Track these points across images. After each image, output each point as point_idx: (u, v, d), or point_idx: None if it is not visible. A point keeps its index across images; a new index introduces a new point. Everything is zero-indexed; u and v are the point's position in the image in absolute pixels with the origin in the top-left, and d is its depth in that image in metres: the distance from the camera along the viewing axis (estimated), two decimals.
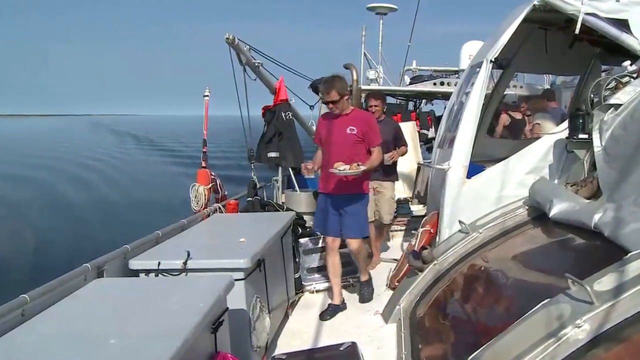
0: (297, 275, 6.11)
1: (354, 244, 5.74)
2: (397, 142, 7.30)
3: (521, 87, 12.43)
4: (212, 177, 7.29)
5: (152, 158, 46.56)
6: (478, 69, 5.78)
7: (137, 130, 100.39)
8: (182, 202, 8.22)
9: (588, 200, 4.47)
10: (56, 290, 3.53)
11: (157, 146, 60.49)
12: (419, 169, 9.09)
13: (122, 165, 40.87)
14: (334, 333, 5.06)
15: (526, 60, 7.91)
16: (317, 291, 6.30)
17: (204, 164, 7.36)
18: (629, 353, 2.35)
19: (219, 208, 6.83)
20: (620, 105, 4.53)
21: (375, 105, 7.27)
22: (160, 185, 28.57)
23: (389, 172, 7.24)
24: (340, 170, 5.33)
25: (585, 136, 4.94)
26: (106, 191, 28.25)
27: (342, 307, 5.76)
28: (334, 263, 5.83)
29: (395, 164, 7.35)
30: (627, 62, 5.12)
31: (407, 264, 5.44)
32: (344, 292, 6.18)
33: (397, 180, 7.63)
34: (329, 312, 5.63)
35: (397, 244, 7.89)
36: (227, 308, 3.59)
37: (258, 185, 7.82)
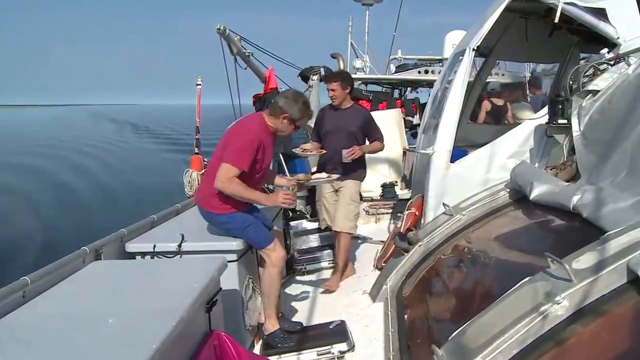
0: (287, 257, 6.13)
1: None
2: (366, 133, 5.93)
3: (503, 74, 12.45)
4: (205, 163, 7.27)
5: (149, 145, 46.34)
6: (461, 57, 5.76)
7: (135, 119, 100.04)
8: (176, 187, 8.21)
9: (567, 183, 4.48)
10: (56, 272, 3.53)
11: (153, 133, 60.24)
12: (404, 154, 9.11)
13: (119, 152, 40.74)
14: (324, 312, 5.08)
15: (507, 49, 7.91)
16: (308, 272, 6.31)
17: (197, 151, 7.33)
18: (606, 328, 2.36)
19: None
20: (598, 91, 4.55)
21: (333, 90, 5.72)
22: (155, 171, 28.51)
23: (349, 169, 5.84)
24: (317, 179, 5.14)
25: (565, 121, 4.96)
26: (104, 177, 28.16)
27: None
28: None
29: (359, 161, 5.89)
30: (605, 50, 5.13)
31: (394, 245, 5.46)
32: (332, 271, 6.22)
33: (362, 179, 6.12)
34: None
35: (383, 226, 7.91)
36: (221, 288, 3.60)
37: None
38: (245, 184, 4.22)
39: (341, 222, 5.82)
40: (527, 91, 9.85)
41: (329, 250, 6.49)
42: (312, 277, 6.15)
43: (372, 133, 5.95)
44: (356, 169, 5.92)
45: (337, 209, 5.85)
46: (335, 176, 5.29)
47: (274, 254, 4.44)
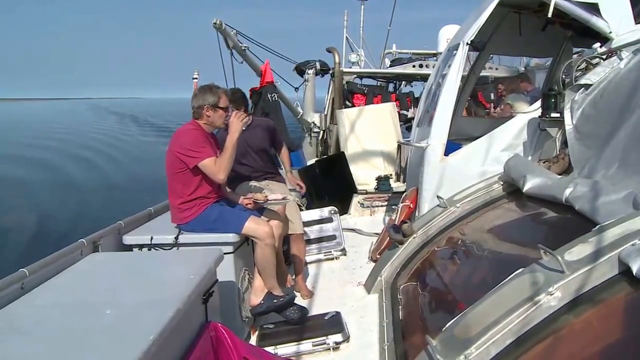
0: (284, 248, 6.10)
1: None
2: (275, 145, 5.84)
3: (496, 68, 12.46)
4: None
5: (147, 138, 46.23)
6: (455, 51, 5.76)
7: (136, 112, 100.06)
8: None
9: (560, 176, 4.50)
10: (54, 264, 3.53)
11: (152, 126, 60.15)
12: (399, 147, 9.11)
13: (118, 144, 40.71)
14: (319, 303, 5.08)
15: (501, 43, 7.88)
16: (305, 263, 6.30)
17: None
18: (598, 318, 2.37)
19: None
20: (591, 85, 4.56)
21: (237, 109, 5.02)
22: (152, 163, 28.53)
23: (270, 173, 5.77)
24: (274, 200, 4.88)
25: (557, 115, 4.97)
26: (101, 169, 28.15)
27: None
28: None
29: (271, 163, 5.83)
30: (597, 44, 5.13)
31: (388, 238, 5.45)
32: (328, 264, 6.21)
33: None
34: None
35: (378, 219, 7.90)
36: (217, 280, 3.60)
37: None
38: (209, 187, 4.44)
39: (298, 226, 5.49)
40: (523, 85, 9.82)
41: (326, 243, 6.48)
42: (309, 269, 6.13)
43: (279, 140, 5.86)
44: (274, 170, 5.84)
45: (289, 212, 5.23)
46: (290, 198, 5.12)
47: (258, 230, 4.37)
